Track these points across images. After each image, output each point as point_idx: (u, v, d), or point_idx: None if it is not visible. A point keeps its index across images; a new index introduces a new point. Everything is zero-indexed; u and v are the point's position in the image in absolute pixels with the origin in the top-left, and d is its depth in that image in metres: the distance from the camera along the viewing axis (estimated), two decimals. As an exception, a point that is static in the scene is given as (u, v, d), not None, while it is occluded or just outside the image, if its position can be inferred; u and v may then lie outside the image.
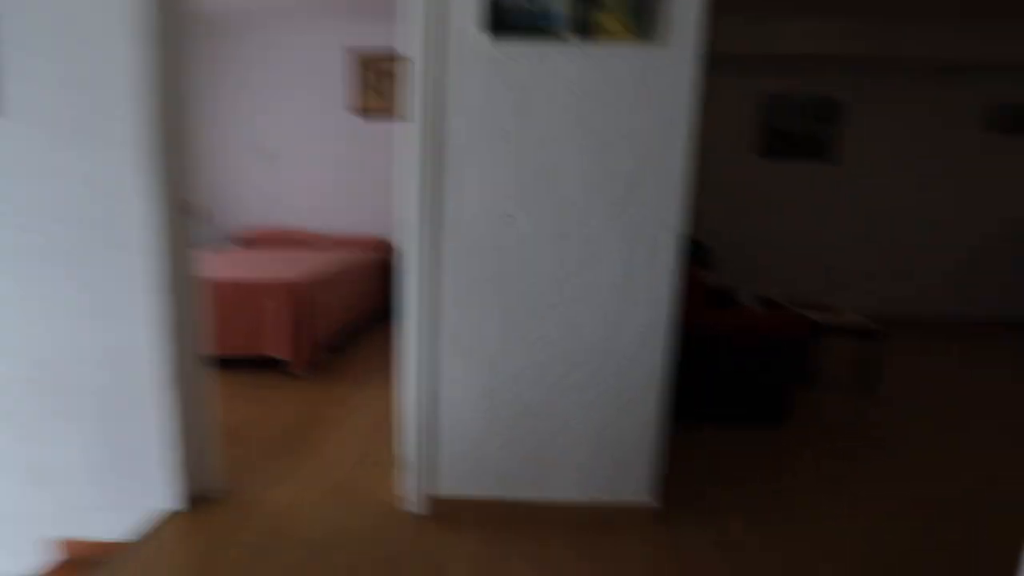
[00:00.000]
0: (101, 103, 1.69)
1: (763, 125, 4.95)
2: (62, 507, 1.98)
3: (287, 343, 3.23)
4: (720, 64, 4.62)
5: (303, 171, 4.93)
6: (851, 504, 2.22)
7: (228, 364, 3.31)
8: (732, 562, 1.86)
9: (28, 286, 1.81)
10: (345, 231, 5.01)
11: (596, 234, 1.82)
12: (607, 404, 1.96)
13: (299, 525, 1.94)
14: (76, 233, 1.77)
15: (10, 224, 1.77)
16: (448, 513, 2.01)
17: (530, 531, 1.96)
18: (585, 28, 1.66)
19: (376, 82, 4.72)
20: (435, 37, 1.68)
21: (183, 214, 1.87)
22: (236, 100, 4.83)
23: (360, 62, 4.71)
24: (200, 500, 2.02)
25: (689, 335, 2.59)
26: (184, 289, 1.90)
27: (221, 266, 3.59)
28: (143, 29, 1.65)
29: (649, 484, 2.04)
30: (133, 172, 1.73)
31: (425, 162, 1.76)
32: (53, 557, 1.96)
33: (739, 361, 2.83)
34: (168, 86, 1.75)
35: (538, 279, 1.85)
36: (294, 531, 1.90)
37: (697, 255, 3.13)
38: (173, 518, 1.94)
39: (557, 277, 1.85)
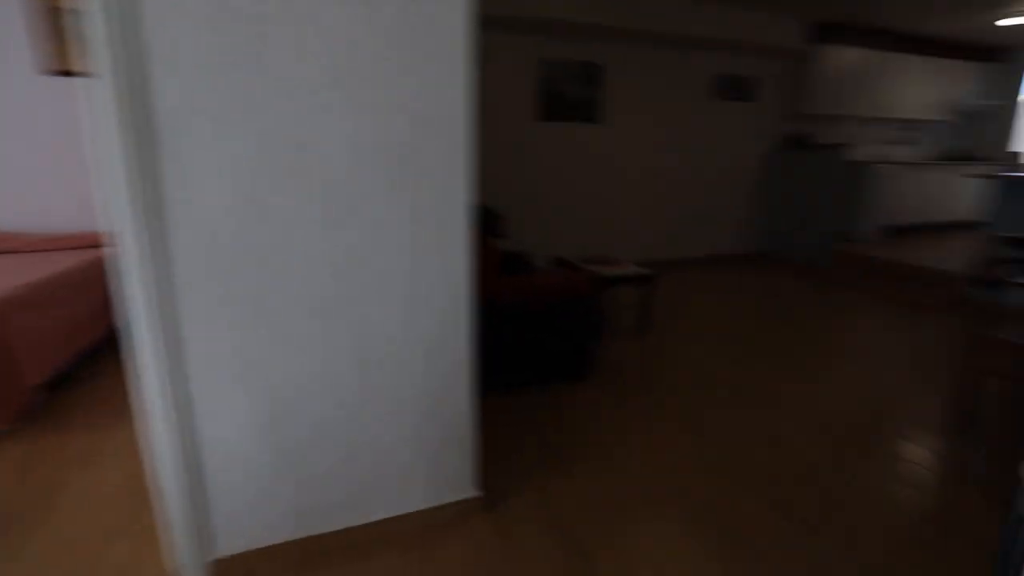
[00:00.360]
0: None
1: (540, 89, 5.07)
2: None
3: (-27, 393, 2.35)
4: (493, 25, 4.56)
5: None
6: (657, 447, 2.41)
7: None
8: (558, 530, 1.85)
9: None
10: (55, 227, 3.84)
11: (375, 214, 1.55)
12: (416, 403, 1.76)
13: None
14: None
15: None
16: (239, 573, 1.64)
17: (347, 561, 1.70)
18: (331, -37, 1.35)
19: (77, 31, 3.62)
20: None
21: None
22: None
23: (50, 6, 3.55)
24: None
25: (487, 306, 2.51)
26: None
27: None
28: None
29: (472, 475, 1.92)
30: None
31: (127, 136, 1.29)
32: None
33: (536, 324, 2.86)
34: None
35: (313, 275, 1.54)
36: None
37: (489, 223, 3.05)
38: None
39: (336, 269, 1.55)
